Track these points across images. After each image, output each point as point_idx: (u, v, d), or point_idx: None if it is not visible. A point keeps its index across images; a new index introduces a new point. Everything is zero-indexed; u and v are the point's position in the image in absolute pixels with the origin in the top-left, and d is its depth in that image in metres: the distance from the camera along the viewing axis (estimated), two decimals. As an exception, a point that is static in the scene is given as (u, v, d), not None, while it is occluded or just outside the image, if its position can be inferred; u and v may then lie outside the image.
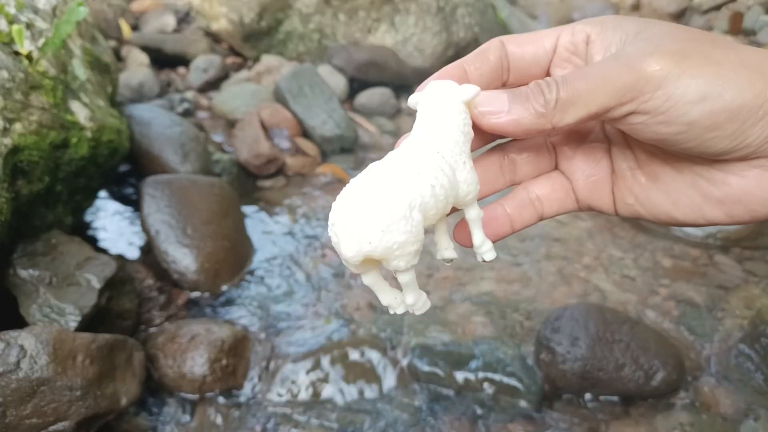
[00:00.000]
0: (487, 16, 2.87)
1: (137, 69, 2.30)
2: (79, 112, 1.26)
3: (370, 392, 1.13)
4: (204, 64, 2.40)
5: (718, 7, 3.54)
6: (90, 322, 1.05)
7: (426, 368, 1.15)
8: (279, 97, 2.08)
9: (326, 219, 0.42)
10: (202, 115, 2.15)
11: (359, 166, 1.93)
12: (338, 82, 2.33)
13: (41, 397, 0.88)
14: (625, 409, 1.12)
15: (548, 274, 1.46)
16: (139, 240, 1.49)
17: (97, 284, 1.09)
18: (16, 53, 1.14)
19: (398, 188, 0.32)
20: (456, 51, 2.68)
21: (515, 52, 0.40)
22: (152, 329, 1.22)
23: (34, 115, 1.10)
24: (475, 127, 0.38)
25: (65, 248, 1.14)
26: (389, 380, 1.15)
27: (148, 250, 1.40)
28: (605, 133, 0.43)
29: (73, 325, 1.01)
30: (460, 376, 1.14)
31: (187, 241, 1.34)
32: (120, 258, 1.40)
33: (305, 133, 2.01)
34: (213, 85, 2.39)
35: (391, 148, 0.37)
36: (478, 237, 0.39)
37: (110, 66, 1.61)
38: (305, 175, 1.86)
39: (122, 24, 2.70)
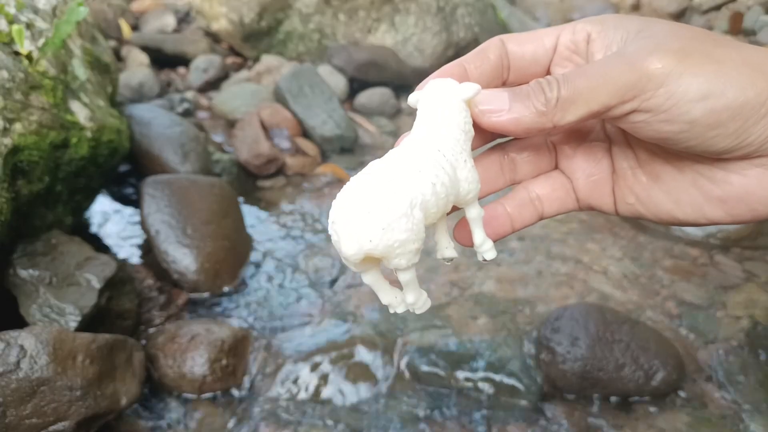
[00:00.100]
0: (487, 16, 2.87)
1: (137, 69, 2.30)
2: (79, 112, 1.26)
3: (370, 392, 1.13)
4: (204, 64, 2.40)
5: (718, 7, 3.54)
6: (90, 322, 1.05)
7: (426, 368, 1.15)
8: (279, 97, 2.08)
9: (326, 218, 0.42)
10: (202, 115, 2.15)
11: (359, 166, 1.93)
12: (338, 82, 2.33)
13: (41, 397, 0.88)
14: (625, 409, 1.12)
15: (548, 274, 1.46)
16: (139, 240, 1.49)
17: (97, 284, 1.09)
18: (16, 53, 1.14)
19: (399, 186, 0.32)
20: (456, 51, 2.68)
21: (515, 51, 0.40)
22: (152, 329, 1.22)
23: (34, 115, 1.10)
24: (475, 126, 0.38)
25: (65, 248, 1.14)
26: (389, 380, 1.14)
27: (148, 250, 1.40)
28: (606, 132, 0.43)
29: (73, 325, 1.01)
30: (460, 376, 1.14)
31: (187, 241, 1.34)
32: (120, 258, 1.40)
33: (305, 133, 2.01)
34: (213, 85, 2.39)
35: (391, 148, 0.36)
36: (479, 236, 0.39)
37: (110, 66, 1.61)
38: (305, 175, 1.86)
39: (122, 24, 2.70)
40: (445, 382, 1.14)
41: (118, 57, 2.42)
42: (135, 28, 2.82)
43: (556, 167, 0.44)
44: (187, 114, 2.08)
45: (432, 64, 2.59)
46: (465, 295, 1.37)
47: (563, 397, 1.13)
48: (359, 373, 1.15)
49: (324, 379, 1.14)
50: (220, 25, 2.60)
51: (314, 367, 1.15)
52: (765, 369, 1.18)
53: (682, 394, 1.14)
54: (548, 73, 0.41)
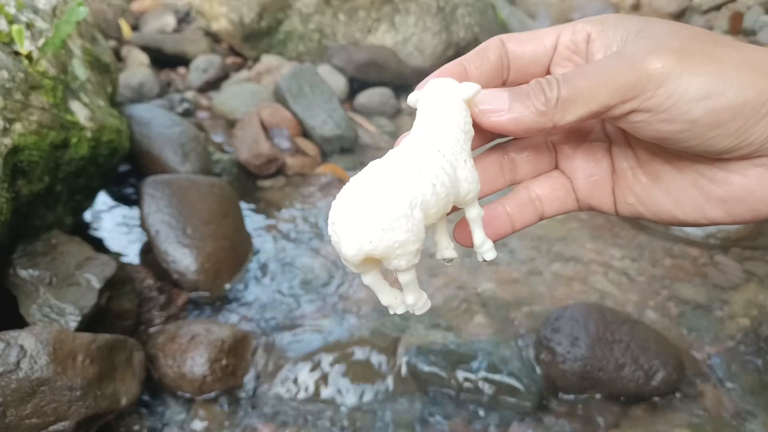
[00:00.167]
0: (487, 16, 2.87)
1: (137, 69, 2.30)
2: (79, 112, 1.26)
3: (370, 392, 1.12)
4: (204, 64, 2.40)
5: (718, 7, 3.54)
6: (90, 322, 1.05)
7: (426, 368, 1.15)
8: (279, 97, 2.07)
9: (326, 219, 0.41)
10: (202, 115, 2.15)
11: (359, 166, 1.93)
12: (338, 82, 2.33)
13: (41, 397, 0.88)
14: (625, 409, 1.12)
15: (548, 274, 1.46)
16: (139, 240, 1.49)
17: (97, 284, 1.09)
18: (16, 53, 1.14)
19: (399, 186, 0.32)
20: (456, 51, 2.68)
21: (515, 51, 0.40)
22: (152, 329, 1.22)
23: (34, 115, 1.10)
24: (475, 126, 0.38)
25: (65, 248, 1.14)
26: (389, 380, 1.14)
27: (148, 250, 1.40)
28: (606, 132, 0.42)
29: (73, 325, 1.01)
30: (460, 376, 1.14)
31: (187, 241, 1.34)
32: (120, 258, 1.40)
33: (305, 133, 2.01)
34: (213, 85, 2.38)
35: (391, 148, 0.36)
36: (479, 236, 0.39)
37: (110, 66, 1.61)
38: (305, 175, 1.86)
39: (122, 24, 2.70)
40: (445, 382, 1.14)
41: (118, 57, 2.42)
42: (135, 28, 2.82)
43: (556, 167, 0.44)
44: (187, 114, 2.08)
45: (432, 64, 2.59)
46: (465, 295, 1.37)
47: (563, 397, 1.13)
48: (359, 373, 1.15)
49: (324, 379, 1.14)
50: (220, 25, 2.60)
51: (314, 367, 1.15)
52: (765, 369, 1.18)
53: (682, 394, 1.14)
54: (548, 72, 0.41)
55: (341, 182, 1.81)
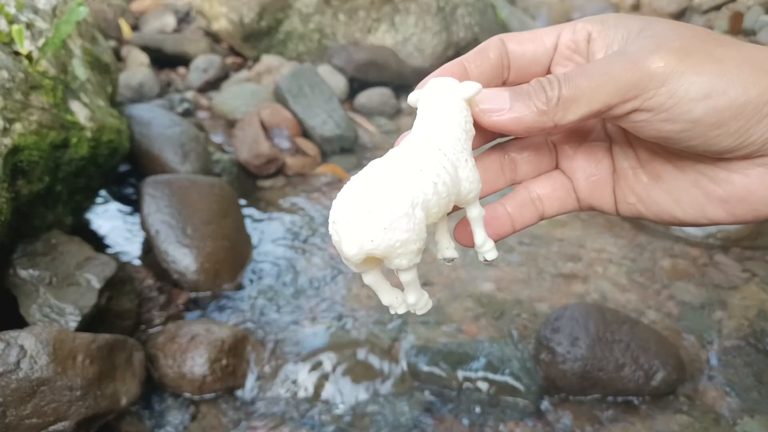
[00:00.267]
0: (487, 16, 2.87)
1: (137, 69, 2.30)
2: (79, 112, 1.26)
3: (371, 392, 1.12)
4: (204, 64, 2.40)
5: (718, 7, 3.54)
6: (90, 322, 1.05)
7: (426, 368, 1.15)
8: (279, 97, 2.07)
9: (326, 219, 0.41)
10: (202, 115, 2.15)
11: (359, 166, 1.93)
12: (338, 82, 2.33)
13: (41, 397, 0.88)
14: (625, 409, 1.11)
15: (548, 274, 1.46)
16: (139, 240, 1.49)
17: (97, 284, 1.09)
18: (16, 53, 1.14)
19: (400, 185, 0.32)
20: (456, 51, 2.68)
21: (516, 50, 0.40)
22: (152, 329, 1.22)
23: (34, 115, 1.10)
24: (475, 125, 0.38)
25: (65, 248, 1.14)
26: (389, 380, 1.14)
27: (148, 250, 1.40)
28: (606, 132, 0.42)
29: (73, 325, 1.01)
30: (460, 375, 1.14)
31: (187, 241, 1.34)
32: (120, 258, 1.40)
33: (305, 133, 2.00)
34: (213, 85, 2.38)
35: (392, 147, 0.36)
36: (480, 236, 0.39)
37: (110, 66, 1.61)
38: (305, 175, 1.86)
39: (122, 24, 2.70)
40: (446, 382, 1.14)
41: (118, 57, 2.42)
42: (135, 28, 2.82)
43: (557, 167, 0.44)
44: (187, 114, 2.08)
45: (432, 64, 2.59)
46: (465, 295, 1.37)
47: (563, 397, 1.13)
48: (359, 373, 1.15)
49: (324, 379, 1.14)
50: (220, 25, 2.60)
51: (314, 367, 1.15)
52: (764, 369, 1.17)
53: (682, 394, 1.14)
54: (549, 72, 0.41)
55: (341, 182, 1.80)
